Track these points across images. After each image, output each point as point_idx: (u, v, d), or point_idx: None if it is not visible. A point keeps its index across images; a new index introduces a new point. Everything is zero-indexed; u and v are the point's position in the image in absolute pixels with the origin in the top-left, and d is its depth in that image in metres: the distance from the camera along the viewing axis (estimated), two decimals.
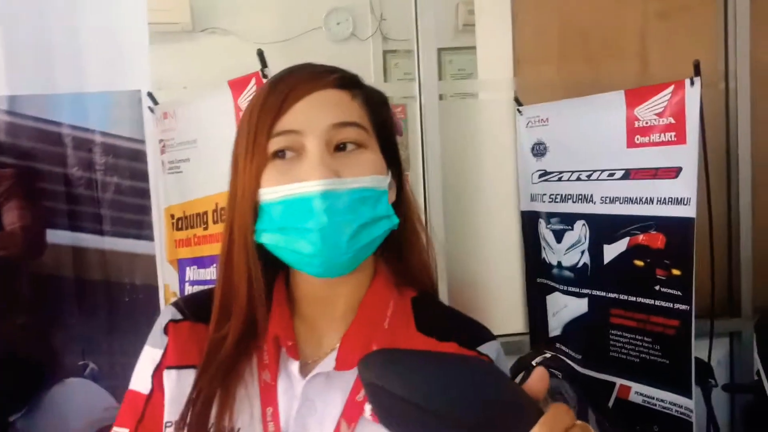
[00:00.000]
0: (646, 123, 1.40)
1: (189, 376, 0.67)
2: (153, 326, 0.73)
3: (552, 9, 1.86)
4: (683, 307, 1.37)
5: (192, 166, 1.42)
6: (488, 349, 0.68)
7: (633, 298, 1.48)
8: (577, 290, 1.62)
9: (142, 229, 1.62)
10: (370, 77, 2.36)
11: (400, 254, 0.71)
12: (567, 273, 1.64)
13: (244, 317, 0.67)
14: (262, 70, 1.16)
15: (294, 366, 0.66)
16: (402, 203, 0.71)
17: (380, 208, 0.64)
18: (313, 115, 0.63)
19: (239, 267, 0.66)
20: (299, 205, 0.61)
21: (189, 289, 1.46)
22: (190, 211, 1.43)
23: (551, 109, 1.66)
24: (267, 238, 0.65)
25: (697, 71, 1.30)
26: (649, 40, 1.86)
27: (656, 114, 1.38)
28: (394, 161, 0.70)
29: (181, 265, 1.49)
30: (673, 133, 1.35)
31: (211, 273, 1.38)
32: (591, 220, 1.57)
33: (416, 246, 0.72)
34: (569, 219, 1.62)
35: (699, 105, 1.30)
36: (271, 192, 0.63)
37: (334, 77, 0.66)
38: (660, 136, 1.38)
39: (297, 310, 0.70)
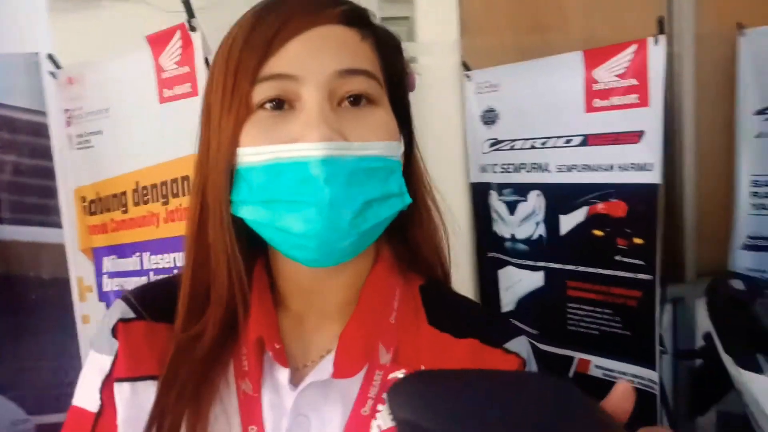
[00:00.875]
0: (606, 85, 1.32)
1: (147, 389, 0.53)
2: (95, 326, 0.60)
3: None
4: (646, 276, 1.33)
5: (105, 140, 1.22)
6: (517, 346, 0.56)
7: (592, 270, 1.42)
8: (532, 263, 1.55)
9: (48, 214, 1.40)
10: None
11: (406, 235, 0.58)
12: (521, 246, 1.57)
13: (224, 311, 0.53)
14: (188, 22, 0.98)
15: (283, 374, 0.53)
16: (411, 174, 0.58)
17: (392, 182, 0.51)
18: (313, 57, 0.49)
19: (217, 247, 0.52)
20: (292, 171, 0.47)
21: (107, 283, 1.27)
22: (105, 192, 1.24)
23: (503, 73, 1.56)
24: (247, 212, 0.51)
25: (662, 29, 1.22)
26: (596, 3, 1.79)
27: (617, 75, 1.30)
28: (404, 123, 0.57)
29: (97, 254, 1.29)
30: (635, 95, 1.28)
31: (133, 263, 1.19)
32: (546, 189, 1.49)
33: (427, 226, 0.59)
34: (523, 189, 1.54)
35: (663, 65, 1.23)
36: (253, 153, 0.49)
37: (340, 10, 0.51)
38: (621, 99, 1.30)
39: (281, 303, 0.57)
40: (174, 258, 1.10)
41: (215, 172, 0.51)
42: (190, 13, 0.97)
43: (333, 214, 0.47)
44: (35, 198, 1.40)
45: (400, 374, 0.53)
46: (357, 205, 0.48)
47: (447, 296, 0.61)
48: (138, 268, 1.18)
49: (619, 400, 0.36)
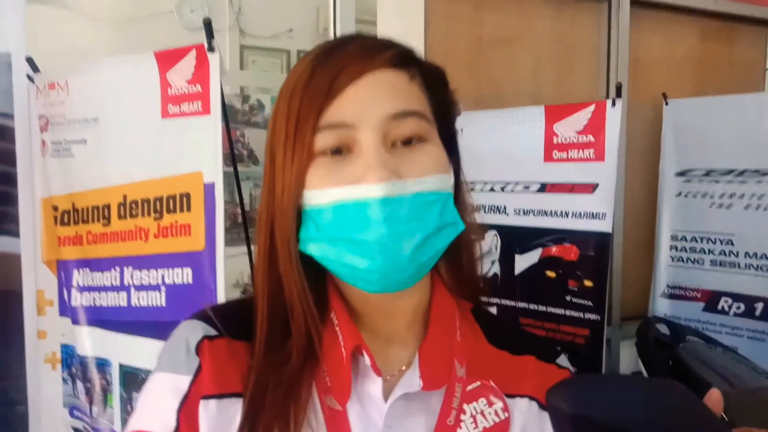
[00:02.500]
0: (565, 139, 1.46)
1: (232, 406, 0.54)
2: (172, 346, 0.57)
3: (462, 17, 1.86)
4: (594, 316, 1.44)
5: (89, 149, 1.18)
6: (564, 361, 0.63)
7: (543, 308, 1.53)
8: (486, 300, 1.63)
9: (4, 222, 1.32)
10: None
11: (455, 261, 0.62)
12: None
13: (305, 339, 0.55)
14: (209, 43, 0.99)
15: (375, 386, 0.55)
16: (458, 200, 0.60)
17: (447, 213, 0.55)
18: (367, 104, 0.52)
19: (289, 281, 0.55)
20: (353, 211, 0.51)
21: (76, 297, 1.21)
22: (83, 203, 1.19)
23: (466, 120, 1.65)
24: (314, 249, 0.54)
25: (619, 93, 1.38)
26: (544, 66, 1.96)
27: (576, 131, 1.44)
28: (452, 151, 0.60)
29: (65, 267, 1.23)
30: (591, 150, 1.42)
31: (113, 278, 1.15)
32: (503, 230, 1.59)
33: (470, 254, 0.63)
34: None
35: (619, 125, 1.37)
36: (318, 195, 0.52)
37: (390, 54, 0.55)
38: (578, 153, 1.44)
39: (358, 322, 0.59)
40: (162, 275, 1.07)
41: (282, 212, 0.54)
42: (210, 35, 0.99)
43: (393, 250, 0.51)
44: None
45: (476, 386, 0.58)
46: (417, 241, 0.51)
47: (494, 318, 0.68)
48: (116, 283, 1.14)
49: (713, 404, 0.43)
